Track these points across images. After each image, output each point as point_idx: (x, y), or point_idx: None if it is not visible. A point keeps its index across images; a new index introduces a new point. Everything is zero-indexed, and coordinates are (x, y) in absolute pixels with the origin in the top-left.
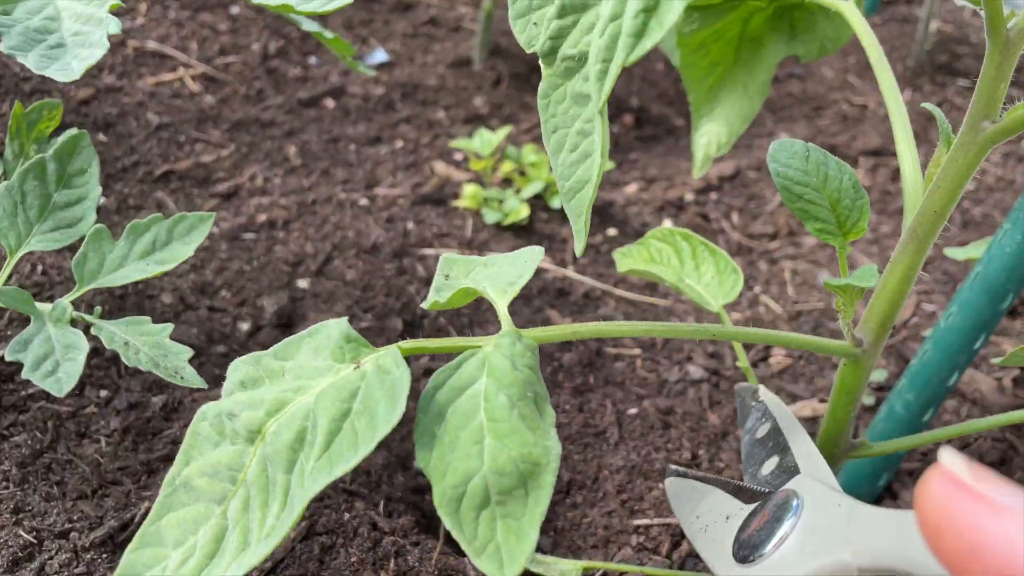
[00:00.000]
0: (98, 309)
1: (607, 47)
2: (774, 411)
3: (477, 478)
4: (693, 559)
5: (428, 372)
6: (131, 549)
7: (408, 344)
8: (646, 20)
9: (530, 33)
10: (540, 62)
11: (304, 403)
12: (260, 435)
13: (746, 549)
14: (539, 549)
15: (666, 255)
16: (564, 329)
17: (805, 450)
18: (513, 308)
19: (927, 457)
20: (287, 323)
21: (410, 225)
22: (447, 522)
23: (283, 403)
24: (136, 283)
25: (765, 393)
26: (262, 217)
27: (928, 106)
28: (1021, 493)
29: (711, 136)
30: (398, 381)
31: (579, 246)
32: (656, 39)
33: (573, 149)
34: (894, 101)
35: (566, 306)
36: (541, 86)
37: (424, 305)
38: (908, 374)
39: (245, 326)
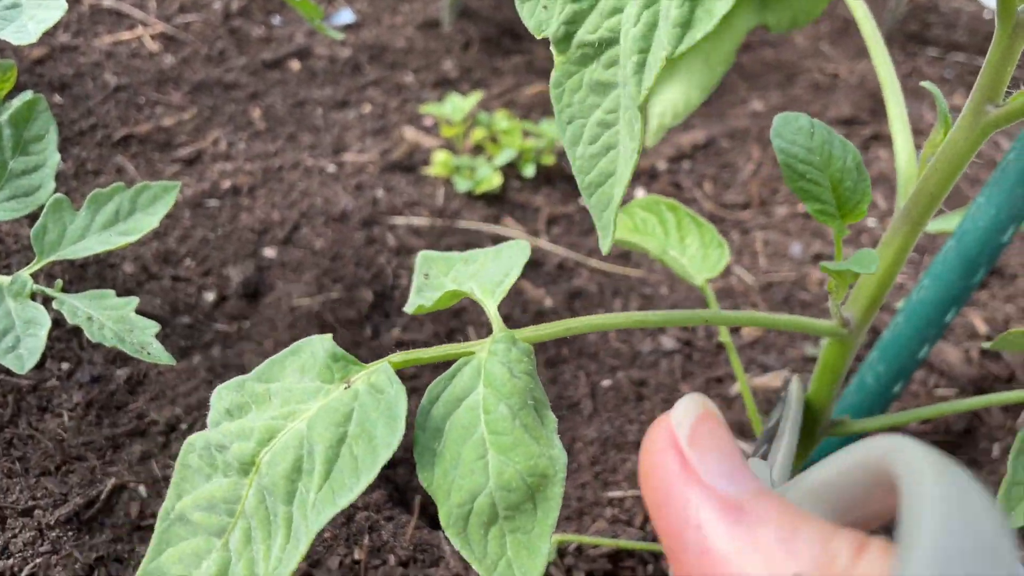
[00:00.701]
0: (59, 282)
1: (642, 36)
2: (788, 402)
3: (483, 495)
4: None
5: (400, 344)
6: None
7: (399, 357)
8: (692, 7)
9: (539, 17)
10: (552, 49)
11: (296, 429)
12: (254, 466)
13: None
14: None
15: (650, 225)
16: (557, 326)
17: (783, 442)
18: None
19: (896, 429)
20: (254, 293)
21: (379, 193)
22: (456, 542)
23: (274, 431)
24: (97, 252)
25: (792, 383)
26: (226, 183)
27: (928, 85)
28: (730, 470)
29: (667, 105)
30: (394, 400)
31: (605, 244)
32: (706, 29)
33: (592, 141)
34: (889, 80)
35: (539, 277)
36: (554, 75)
37: (407, 309)
38: (879, 346)
39: (210, 296)
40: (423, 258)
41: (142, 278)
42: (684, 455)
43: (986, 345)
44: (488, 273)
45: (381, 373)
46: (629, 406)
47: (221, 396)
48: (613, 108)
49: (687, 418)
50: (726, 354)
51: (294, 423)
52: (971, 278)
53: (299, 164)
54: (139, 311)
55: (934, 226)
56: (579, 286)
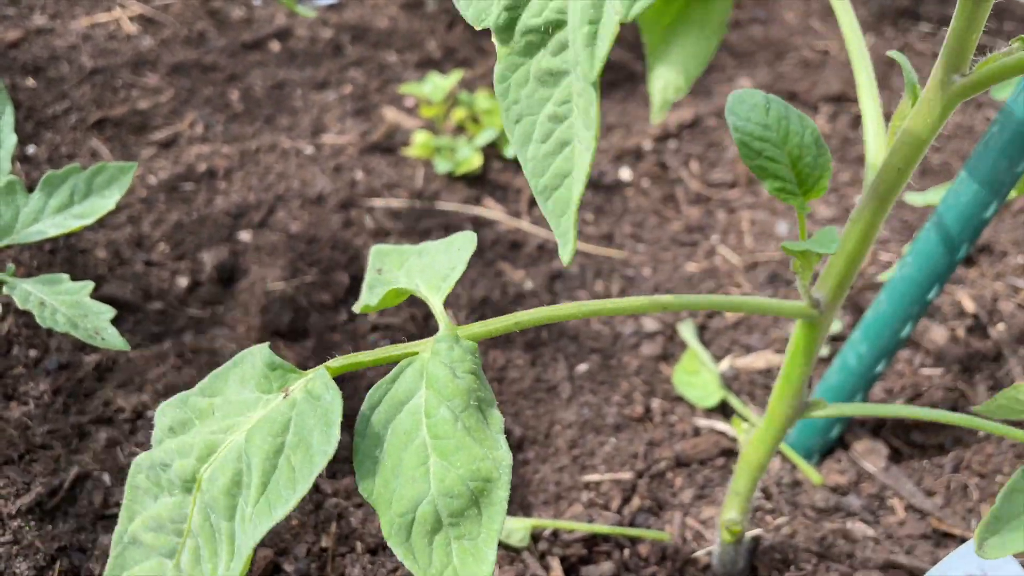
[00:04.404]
0: (11, 267)
1: (592, 5)
2: None
3: (425, 503)
4: (644, 514)
5: (376, 328)
6: None
7: (337, 363)
8: None
9: (478, 6)
10: (494, 39)
11: (236, 443)
12: (196, 483)
13: None
14: None
15: None
16: (506, 321)
17: None
18: None
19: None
20: (228, 278)
21: (358, 175)
22: (399, 553)
23: (214, 446)
24: (67, 236)
25: None
26: (202, 166)
27: (894, 55)
28: None
29: (668, 80)
30: (330, 407)
31: (566, 254)
32: None
33: (545, 139)
34: (858, 51)
35: (519, 259)
36: (497, 69)
37: (355, 309)
38: (862, 325)
39: (184, 281)
40: (376, 252)
41: (114, 263)
42: None
43: (976, 409)
44: (435, 267)
45: (318, 380)
46: (608, 388)
47: (164, 413)
48: (565, 98)
49: None
50: (708, 335)
51: (233, 436)
52: (954, 255)
53: (276, 146)
54: (109, 297)
55: (921, 199)
56: (560, 268)
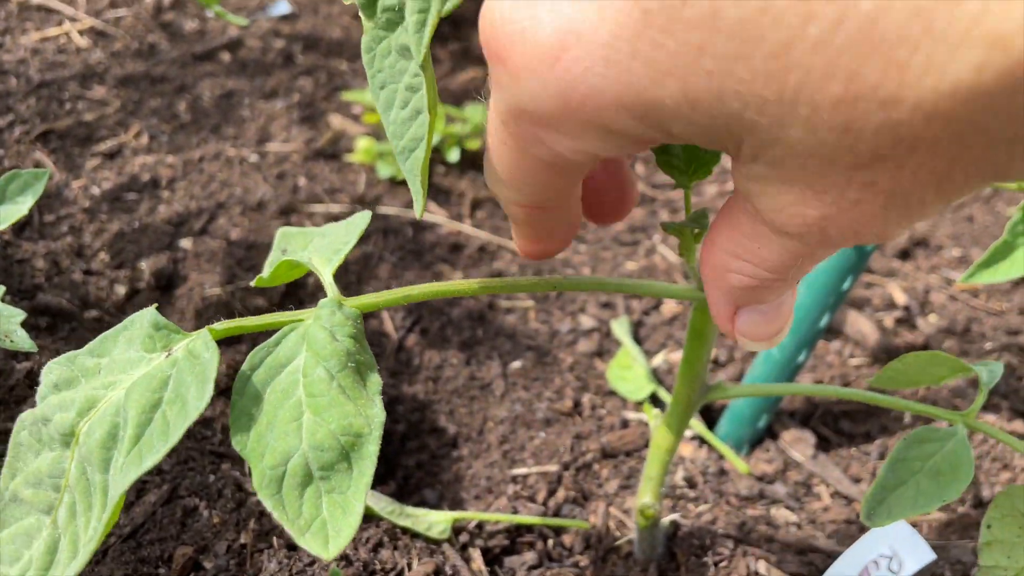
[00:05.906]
0: None
1: None
2: None
3: (297, 456)
4: (569, 505)
5: None
6: None
7: (221, 325)
8: None
9: None
10: (361, 14)
11: (115, 398)
12: (74, 437)
13: None
14: (425, 503)
15: None
16: (395, 293)
17: None
18: (404, 264)
19: (810, 397)
20: (167, 285)
21: (301, 181)
22: (268, 505)
23: (94, 401)
24: (4, 247)
25: None
26: (146, 176)
27: None
28: None
29: None
30: (208, 364)
31: (417, 208)
32: None
33: (404, 105)
34: None
35: (460, 260)
36: (364, 39)
37: (252, 284)
38: None
39: (122, 289)
40: (281, 234)
41: (51, 273)
42: None
43: (870, 381)
44: (330, 243)
45: (199, 340)
46: (541, 384)
47: (51, 370)
48: (418, 71)
49: None
50: (644, 331)
51: (114, 392)
52: (865, 245)
53: (221, 155)
54: (44, 306)
55: None
56: (499, 268)
